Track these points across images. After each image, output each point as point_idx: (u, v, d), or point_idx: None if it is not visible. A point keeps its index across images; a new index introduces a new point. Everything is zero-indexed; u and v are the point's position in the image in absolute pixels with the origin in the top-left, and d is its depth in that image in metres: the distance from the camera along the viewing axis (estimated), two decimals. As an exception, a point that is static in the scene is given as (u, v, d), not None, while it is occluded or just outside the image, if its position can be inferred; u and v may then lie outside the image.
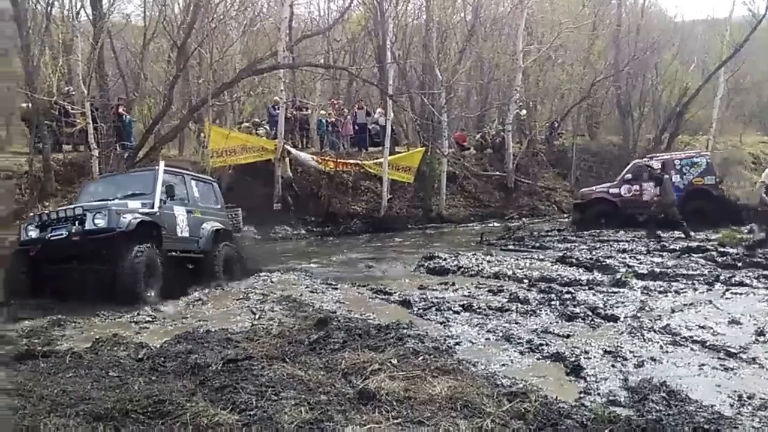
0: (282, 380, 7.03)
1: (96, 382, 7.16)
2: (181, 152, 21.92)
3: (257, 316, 9.89)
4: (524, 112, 25.50)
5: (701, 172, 18.11)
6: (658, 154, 19.09)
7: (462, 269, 13.47)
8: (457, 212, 22.31)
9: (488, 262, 13.99)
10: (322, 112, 23.55)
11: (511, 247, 16.81)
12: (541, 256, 14.64)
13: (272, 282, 12.42)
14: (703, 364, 7.52)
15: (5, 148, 19.08)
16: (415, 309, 10.12)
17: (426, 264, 14.44)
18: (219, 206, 13.83)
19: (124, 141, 18.70)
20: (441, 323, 9.30)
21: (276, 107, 20.57)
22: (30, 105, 17.73)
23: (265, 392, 6.73)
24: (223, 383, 6.99)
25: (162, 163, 11.83)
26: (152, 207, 10.81)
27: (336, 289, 11.75)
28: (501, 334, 8.73)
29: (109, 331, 9.02)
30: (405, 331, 8.73)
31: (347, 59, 28.29)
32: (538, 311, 9.87)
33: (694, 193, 17.99)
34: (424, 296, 10.97)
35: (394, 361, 7.43)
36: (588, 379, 7.20)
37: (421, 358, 7.51)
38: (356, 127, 23.01)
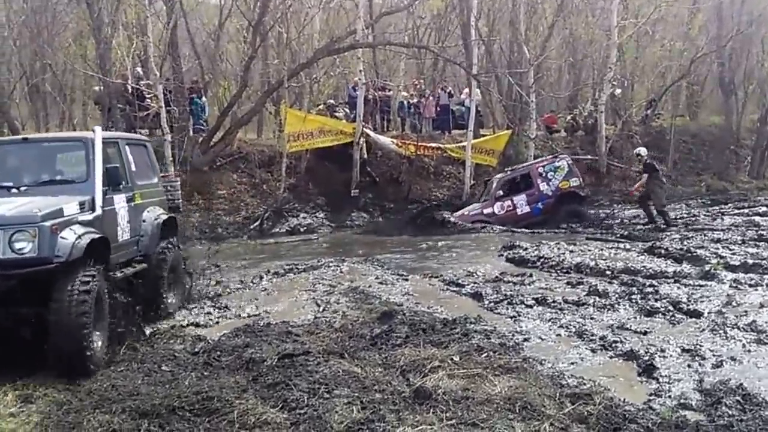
0: (337, 377, 7.03)
1: (147, 377, 7.25)
2: (259, 136, 22.32)
3: (321, 308, 9.95)
4: (619, 91, 24.42)
5: (565, 175, 17.61)
6: (518, 166, 18.53)
7: (542, 260, 13.07)
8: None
9: (571, 252, 13.52)
10: (404, 93, 23.39)
11: (598, 235, 16.19)
12: (629, 246, 13.99)
13: (341, 272, 12.46)
14: (786, 366, 7.01)
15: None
16: (486, 302, 9.91)
17: (506, 253, 14.13)
18: (155, 179, 9.80)
19: (196, 125, 19.16)
20: (511, 318, 9.07)
21: (356, 88, 20.60)
22: (102, 88, 18.36)
23: (317, 389, 6.75)
24: (276, 379, 7.03)
25: (98, 130, 8.03)
26: (93, 209, 7.35)
27: (406, 280, 11.66)
28: (573, 330, 8.44)
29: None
30: (472, 326, 8.59)
31: (430, 37, 27.96)
32: (616, 306, 9.50)
33: (564, 198, 17.68)
34: (498, 288, 10.74)
35: (456, 358, 7.31)
36: (660, 379, 6.87)
37: (484, 355, 7.36)
38: (438, 109, 22.77)
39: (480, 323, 8.70)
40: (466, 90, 22.71)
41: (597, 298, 9.90)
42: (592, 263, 12.29)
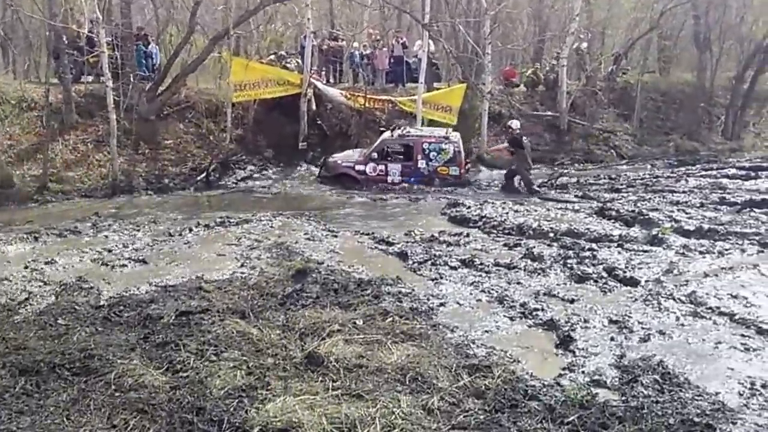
0: (230, 338, 6.65)
1: (41, 330, 7.06)
2: (198, 84, 21.38)
3: (240, 264, 9.54)
4: (585, 45, 23.77)
5: (447, 160, 16.99)
6: (410, 132, 17.55)
7: (484, 219, 12.68)
8: (500, 155, 21.21)
9: (515, 212, 13.15)
10: (355, 44, 22.55)
11: (551, 195, 15.80)
12: (578, 207, 13.64)
13: (272, 227, 11.99)
14: (720, 342, 6.72)
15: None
16: (411, 262, 9.54)
17: (448, 212, 13.74)
18: None
19: (140, 72, 18.31)
20: (432, 280, 8.71)
21: (306, 38, 19.81)
22: (51, 33, 17.51)
23: (206, 351, 6.37)
24: (167, 339, 6.67)
25: None
26: None
27: (336, 236, 11.23)
28: (495, 296, 8.10)
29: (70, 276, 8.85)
30: (387, 287, 8.23)
31: None
32: (548, 270, 9.17)
33: (438, 184, 16.96)
34: (429, 248, 10.35)
35: (359, 322, 6.96)
36: (577, 353, 6.54)
37: (389, 319, 7.00)
38: (393, 61, 22.00)
39: (397, 285, 8.33)
40: (419, 42, 21.94)
41: (530, 262, 9.57)
42: (535, 224, 11.95)
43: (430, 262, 9.37)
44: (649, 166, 21.14)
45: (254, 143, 19.78)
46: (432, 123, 20.42)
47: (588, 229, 11.50)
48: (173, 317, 7.22)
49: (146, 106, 18.22)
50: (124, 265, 9.41)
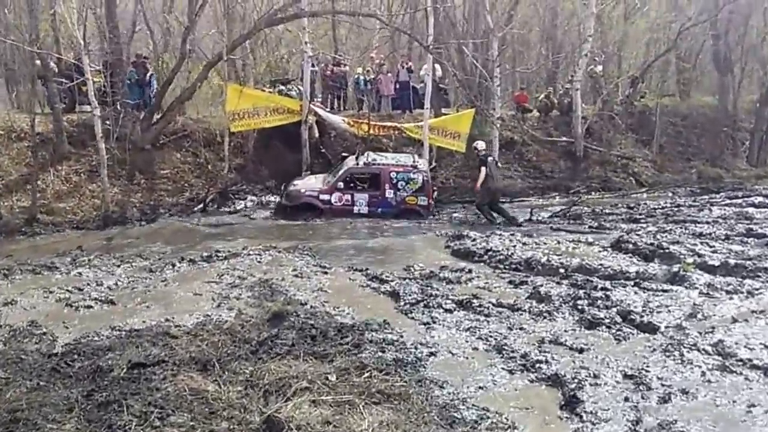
0: (181, 398, 5.83)
1: None
2: (197, 112, 20.79)
3: (216, 304, 8.74)
4: (600, 68, 22.92)
5: (416, 190, 16.06)
6: (376, 159, 16.53)
7: (490, 253, 11.79)
8: (513, 184, 20.27)
9: (523, 245, 12.25)
10: (359, 70, 21.89)
11: (565, 226, 14.88)
12: (593, 240, 12.69)
13: (259, 262, 11.19)
14: (754, 405, 5.76)
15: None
16: (403, 303, 8.68)
17: (452, 245, 12.87)
18: None
19: (133, 100, 17.74)
20: (425, 324, 7.85)
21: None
22: (40, 61, 17.06)
23: (151, 414, 5.54)
24: (111, 397, 5.86)
25: None
26: None
27: (326, 273, 10.41)
28: (494, 344, 7.22)
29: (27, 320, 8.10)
30: (372, 333, 7.40)
31: (383, 3, 26.09)
32: (555, 313, 8.27)
33: (404, 214, 16.02)
34: (426, 286, 9.49)
35: (332, 378, 6.08)
36: (585, 416, 5.63)
37: (366, 374, 6.12)
38: (398, 86, 21.31)
39: (383, 330, 7.48)
40: (425, 66, 21.26)
41: (535, 303, 8.68)
42: (544, 259, 11.03)
43: (423, 303, 8.50)
44: (670, 194, 20.13)
45: (255, 172, 19.16)
46: (440, 149, 19.69)
47: (602, 264, 10.55)
48: (124, 370, 6.42)
49: (141, 134, 17.65)
50: (90, 306, 8.65)
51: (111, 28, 17.81)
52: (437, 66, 19.18)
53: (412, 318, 8.06)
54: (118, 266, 10.96)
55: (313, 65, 19.27)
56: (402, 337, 7.30)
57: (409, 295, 8.89)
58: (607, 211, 16.71)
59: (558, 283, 9.65)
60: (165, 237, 14.26)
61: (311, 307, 8.44)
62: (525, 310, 8.34)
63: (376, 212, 16.14)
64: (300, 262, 11.22)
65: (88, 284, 9.62)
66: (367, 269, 10.59)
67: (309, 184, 16.80)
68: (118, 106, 16.81)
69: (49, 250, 12.67)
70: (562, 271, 10.46)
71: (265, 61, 19.54)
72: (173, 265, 10.88)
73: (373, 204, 16.18)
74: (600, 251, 11.78)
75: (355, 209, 16.16)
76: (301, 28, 17.65)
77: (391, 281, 9.78)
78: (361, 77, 21.30)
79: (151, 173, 17.66)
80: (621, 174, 21.82)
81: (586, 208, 17.02)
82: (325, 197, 16.14)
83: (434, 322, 7.83)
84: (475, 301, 8.55)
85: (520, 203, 19.53)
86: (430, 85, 18.25)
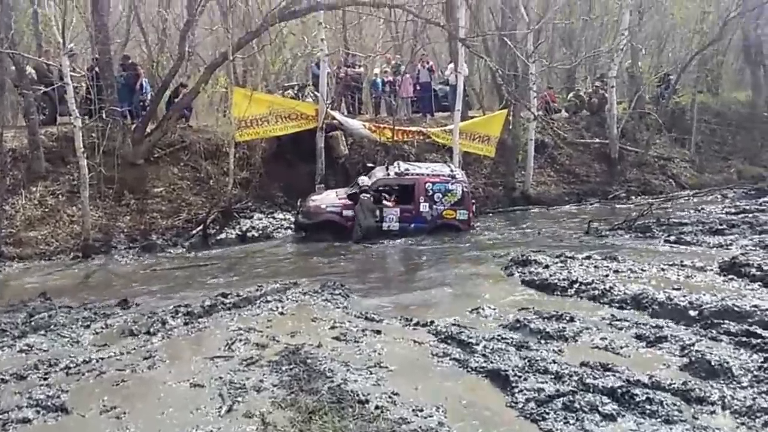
0: None
1: None
2: (197, 121, 17.23)
3: (226, 408, 5.14)
4: (628, 62, 19.62)
5: (455, 203, 12.80)
6: (408, 169, 13.15)
7: (577, 285, 8.35)
8: (548, 191, 16.89)
9: (616, 272, 8.84)
10: (376, 71, 18.34)
11: (636, 242, 11.47)
12: (699, 262, 9.20)
13: (282, 312, 7.67)
14: None
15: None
16: (519, 399, 5.06)
17: (518, 271, 9.48)
18: None
19: (121, 107, 14.15)
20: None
21: (319, 64, 15.69)
22: (15, 66, 13.43)
23: None
24: None
25: None
26: None
27: (378, 332, 6.83)
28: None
29: None
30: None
31: None
32: (760, 401, 4.73)
33: (442, 230, 12.81)
34: (522, 346, 6.02)
35: None
36: None
37: None
38: (419, 88, 17.88)
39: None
40: (450, 65, 17.74)
41: (713, 383, 5.16)
42: (660, 295, 7.56)
43: (560, 402, 4.91)
44: (719, 197, 16.79)
45: (262, 187, 15.50)
46: (467, 155, 16.19)
47: (746, 304, 7.04)
48: None
49: (131, 147, 14.10)
50: (25, 421, 5.03)
51: (98, 26, 14.21)
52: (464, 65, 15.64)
53: (551, 432, 4.52)
54: (88, 326, 7.43)
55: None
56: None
57: (521, 378, 5.36)
58: (674, 220, 13.23)
59: (715, 339, 6.19)
60: (156, 272, 10.78)
61: (376, 407, 4.91)
62: (707, 398, 4.89)
63: (408, 229, 12.76)
64: (336, 311, 7.72)
65: (36, 367, 6.02)
66: (430, 321, 7.08)
67: (329, 199, 13.28)
68: (104, 115, 13.21)
69: (3, 297, 9.13)
70: (693, 314, 7.02)
71: (273, 63, 15.85)
72: (164, 323, 7.36)
73: (405, 219, 12.79)
74: (720, 278, 8.38)
75: (384, 226, 12.77)
76: (316, 23, 14.10)
77: (475, 344, 6.26)
78: (379, 78, 17.71)
79: (143, 192, 14.08)
80: (660, 176, 18.48)
81: (650, 219, 13.49)
82: (349, 213, 12.68)
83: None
84: (628, 387, 5.02)
85: (557, 210, 16.17)
86: (461, 84, 14.77)
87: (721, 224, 12.26)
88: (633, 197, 17.27)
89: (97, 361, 6.28)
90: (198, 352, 6.47)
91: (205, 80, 14.39)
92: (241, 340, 6.67)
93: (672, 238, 11.47)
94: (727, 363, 5.43)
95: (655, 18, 19.09)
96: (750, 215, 13.24)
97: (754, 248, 10.19)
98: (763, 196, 16.00)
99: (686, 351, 5.90)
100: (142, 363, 6.17)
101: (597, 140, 18.40)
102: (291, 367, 5.87)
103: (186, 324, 7.43)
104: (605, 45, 18.81)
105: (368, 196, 12.57)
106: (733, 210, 14.30)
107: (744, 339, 6.03)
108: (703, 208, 14.89)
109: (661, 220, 13.07)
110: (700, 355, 5.65)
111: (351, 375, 5.59)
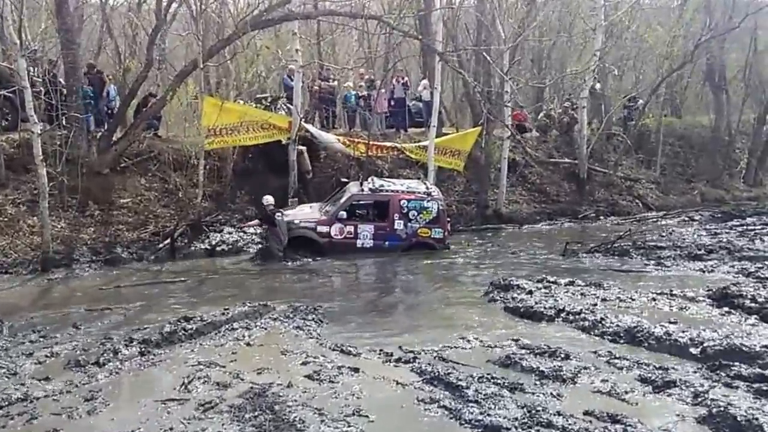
0: None
1: None
2: (166, 130, 16.03)
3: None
4: (599, 85, 18.97)
5: (430, 221, 12.05)
6: (383, 185, 12.34)
7: (564, 314, 7.49)
8: (520, 209, 16.15)
9: (604, 300, 7.99)
10: (349, 84, 17.38)
11: (616, 265, 10.69)
12: (689, 292, 8.39)
13: (248, 343, 6.62)
14: None
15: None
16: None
17: (499, 297, 8.56)
18: None
19: (85, 114, 12.90)
20: None
21: (291, 76, 14.68)
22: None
23: None
24: None
25: None
26: None
27: (355, 370, 5.82)
28: None
29: None
30: None
31: (384, 9, 21.61)
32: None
33: (415, 246, 12.03)
34: (515, 388, 5.13)
35: None
36: None
37: None
38: (393, 103, 17.01)
39: None
40: (423, 81, 16.89)
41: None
42: (658, 330, 6.72)
43: None
44: (686, 219, 16.21)
45: (233, 200, 14.40)
46: (439, 171, 15.31)
47: (755, 343, 6.23)
48: None
49: (97, 156, 12.92)
50: None
51: (62, 29, 12.95)
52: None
53: None
54: (31, 354, 6.29)
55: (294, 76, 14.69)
56: None
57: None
58: (650, 243, 12.47)
59: (730, 386, 5.34)
60: (116, 291, 9.57)
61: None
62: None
63: (382, 246, 11.80)
64: (309, 341, 6.70)
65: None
66: (414, 357, 6.10)
67: (304, 214, 12.26)
68: (65, 122, 11.99)
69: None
70: (695, 351, 6.19)
71: (247, 72, 14.70)
72: (116, 353, 6.26)
73: (379, 237, 11.85)
74: (716, 311, 7.56)
75: (359, 243, 11.82)
76: (291, 33, 13.07)
77: (465, 387, 5.31)
78: (352, 93, 16.74)
79: (108, 203, 12.90)
80: (627, 197, 17.84)
81: (626, 241, 12.71)
82: (324, 229, 11.70)
83: None
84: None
85: (529, 229, 15.39)
86: (437, 99, 13.91)
87: (699, 249, 11.53)
88: (602, 217, 16.64)
89: (31, 402, 5.16)
90: (149, 392, 5.38)
91: (174, 88, 13.23)
92: (200, 378, 5.60)
93: (651, 262, 10.72)
94: (756, 419, 4.56)
95: (625, 39, 18.46)
96: (724, 240, 12.60)
97: (736, 275, 9.49)
98: (730, 220, 15.45)
99: (700, 399, 5.04)
100: (82, 406, 5.05)
101: (567, 160, 17.74)
102: (255, 414, 4.83)
103: (141, 354, 6.32)
104: (575, 66, 18.08)
105: (280, 214, 11.64)
106: (704, 233, 13.67)
107: (765, 387, 5.18)
108: (673, 231, 14.24)
109: (637, 243, 12.29)
110: (720, 407, 4.79)
111: (325, 427, 4.57)
